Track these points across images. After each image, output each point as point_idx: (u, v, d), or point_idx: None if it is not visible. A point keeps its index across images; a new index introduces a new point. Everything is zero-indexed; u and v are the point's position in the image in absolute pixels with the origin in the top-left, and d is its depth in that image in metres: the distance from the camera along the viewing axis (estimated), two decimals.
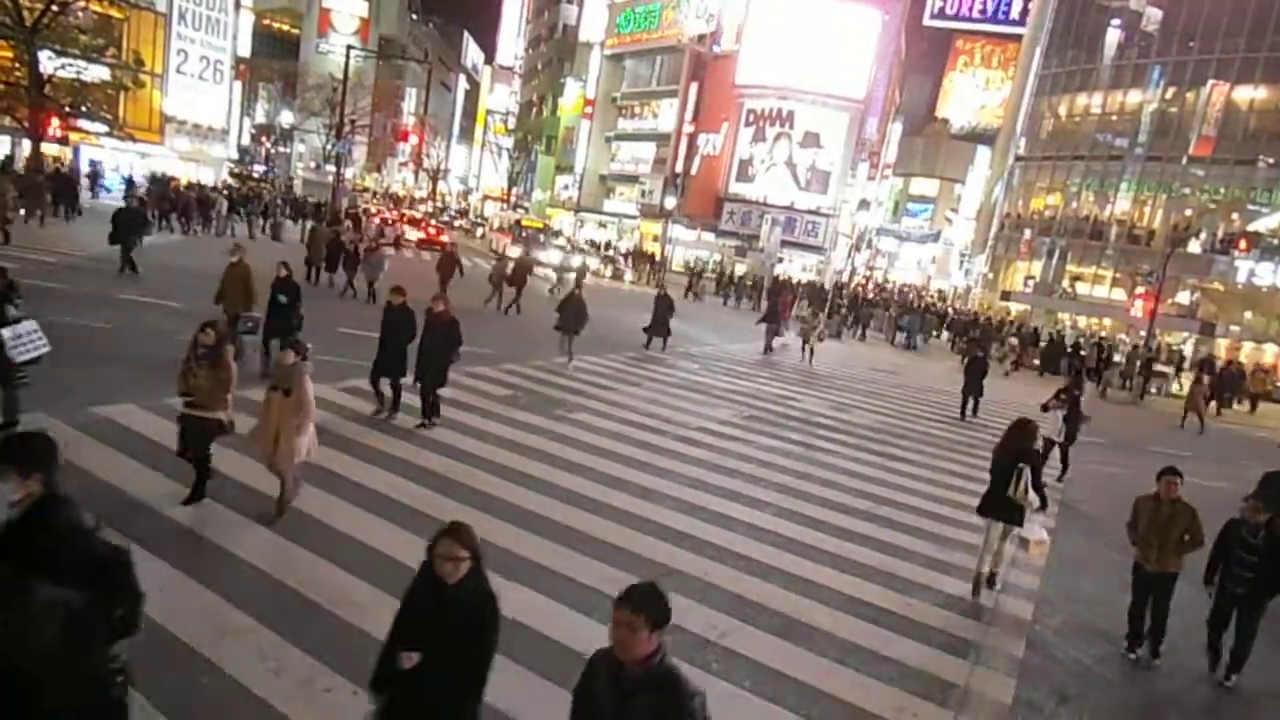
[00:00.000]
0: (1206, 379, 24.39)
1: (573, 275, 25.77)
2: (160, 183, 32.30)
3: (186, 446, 6.58)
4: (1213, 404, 24.12)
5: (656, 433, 11.45)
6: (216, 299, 11.32)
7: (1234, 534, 6.59)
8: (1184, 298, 37.79)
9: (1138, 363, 27.91)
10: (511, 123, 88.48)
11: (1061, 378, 29.09)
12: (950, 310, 44.80)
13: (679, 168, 54.79)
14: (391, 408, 9.96)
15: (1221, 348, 36.54)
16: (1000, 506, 7.41)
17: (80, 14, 31.63)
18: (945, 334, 37.58)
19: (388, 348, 9.84)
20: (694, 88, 55.26)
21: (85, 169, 33.78)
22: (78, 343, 10.17)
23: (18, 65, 28.51)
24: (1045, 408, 12.87)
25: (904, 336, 35.06)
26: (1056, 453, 12.69)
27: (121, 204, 20.91)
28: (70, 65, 29.80)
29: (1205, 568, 6.69)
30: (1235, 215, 37.06)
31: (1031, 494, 7.34)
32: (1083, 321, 41.27)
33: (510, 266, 22.83)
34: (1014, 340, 31.37)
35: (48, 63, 28.62)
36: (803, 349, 22.46)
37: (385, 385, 10.04)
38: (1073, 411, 12.69)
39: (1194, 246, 36.63)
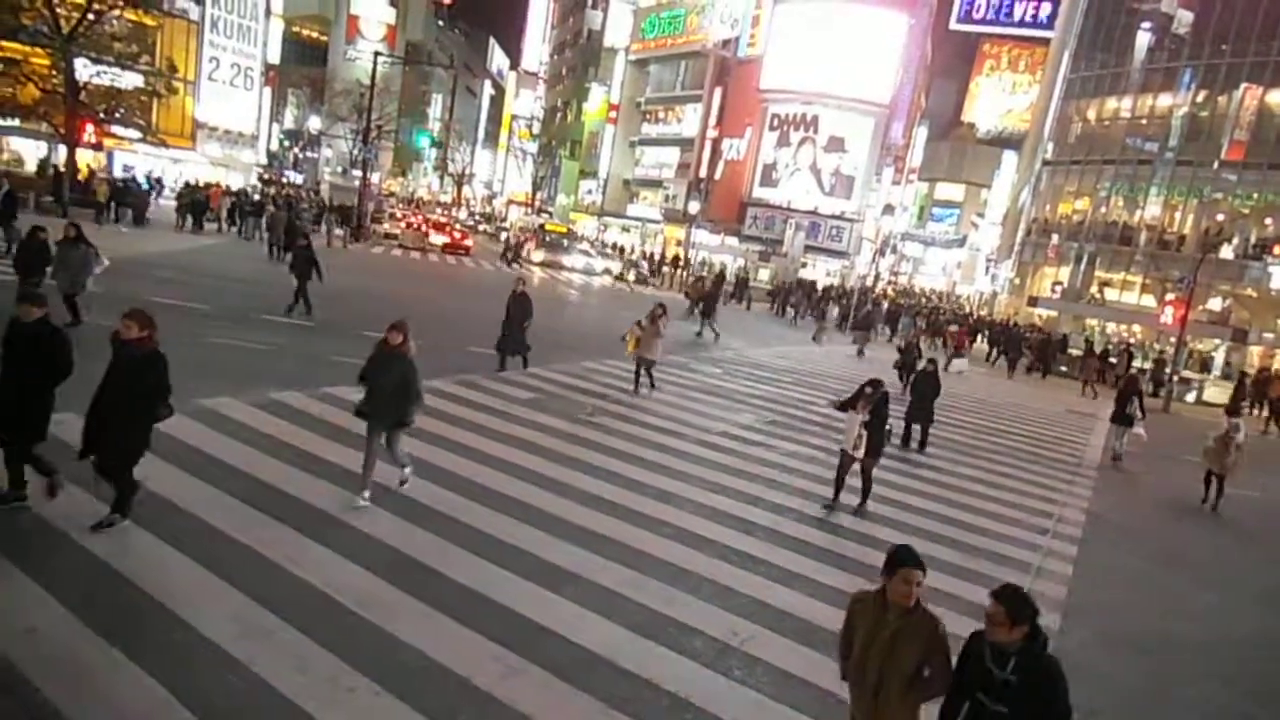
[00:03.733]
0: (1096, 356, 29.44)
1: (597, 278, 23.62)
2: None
3: None
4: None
5: (677, 437, 11.44)
6: None
7: (972, 662, 3.69)
8: (1215, 304, 37.10)
9: (1166, 369, 27.39)
10: (536, 128, 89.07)
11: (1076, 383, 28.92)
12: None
13: (703, 172, 54.87)
14: (12, 486, 6.05)
15: (1254, 355, 35.87)
16: (1120, 418, 14.94)
17: (115, 22, 32.24)
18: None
19: (10, 386, 5.90)
20: (718, 92, 55.31)
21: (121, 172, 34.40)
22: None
23: (54, 72, 29.11)
24: (842, 407, 9.31)
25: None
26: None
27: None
28: (105, 72, 30.40)
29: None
30: (1269, 220, 36.39)
31: (1137, 410, 14.75)
32: (1111, 328, 40.71)
33: (709, 284, 26.41)
34: (952, 329, 26.92)
35: (83, 70, 29.21)
36: (637, 379, 14.20)
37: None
38: (877, 416, 8.96)
39: (1226, 252, 35.98)
